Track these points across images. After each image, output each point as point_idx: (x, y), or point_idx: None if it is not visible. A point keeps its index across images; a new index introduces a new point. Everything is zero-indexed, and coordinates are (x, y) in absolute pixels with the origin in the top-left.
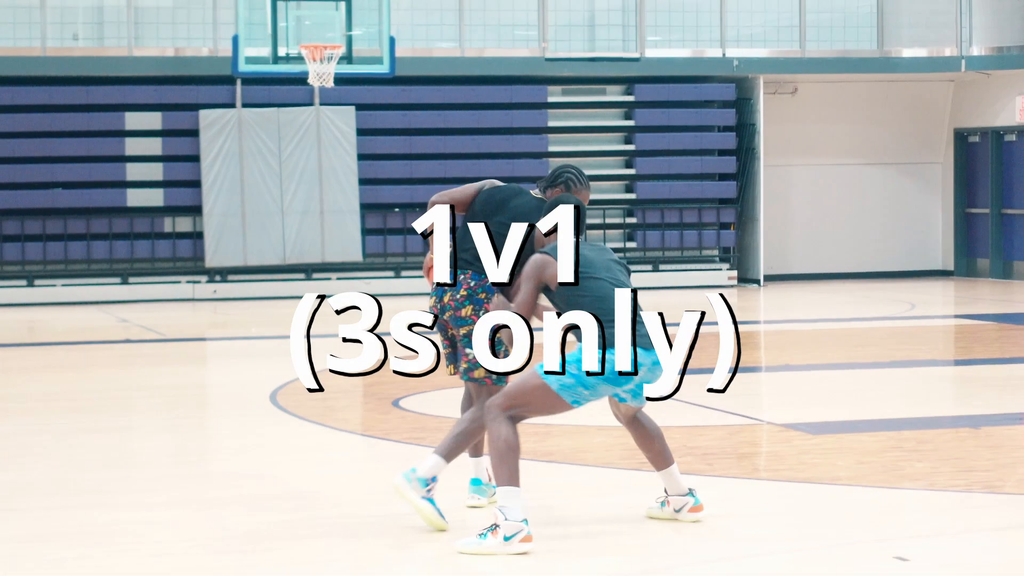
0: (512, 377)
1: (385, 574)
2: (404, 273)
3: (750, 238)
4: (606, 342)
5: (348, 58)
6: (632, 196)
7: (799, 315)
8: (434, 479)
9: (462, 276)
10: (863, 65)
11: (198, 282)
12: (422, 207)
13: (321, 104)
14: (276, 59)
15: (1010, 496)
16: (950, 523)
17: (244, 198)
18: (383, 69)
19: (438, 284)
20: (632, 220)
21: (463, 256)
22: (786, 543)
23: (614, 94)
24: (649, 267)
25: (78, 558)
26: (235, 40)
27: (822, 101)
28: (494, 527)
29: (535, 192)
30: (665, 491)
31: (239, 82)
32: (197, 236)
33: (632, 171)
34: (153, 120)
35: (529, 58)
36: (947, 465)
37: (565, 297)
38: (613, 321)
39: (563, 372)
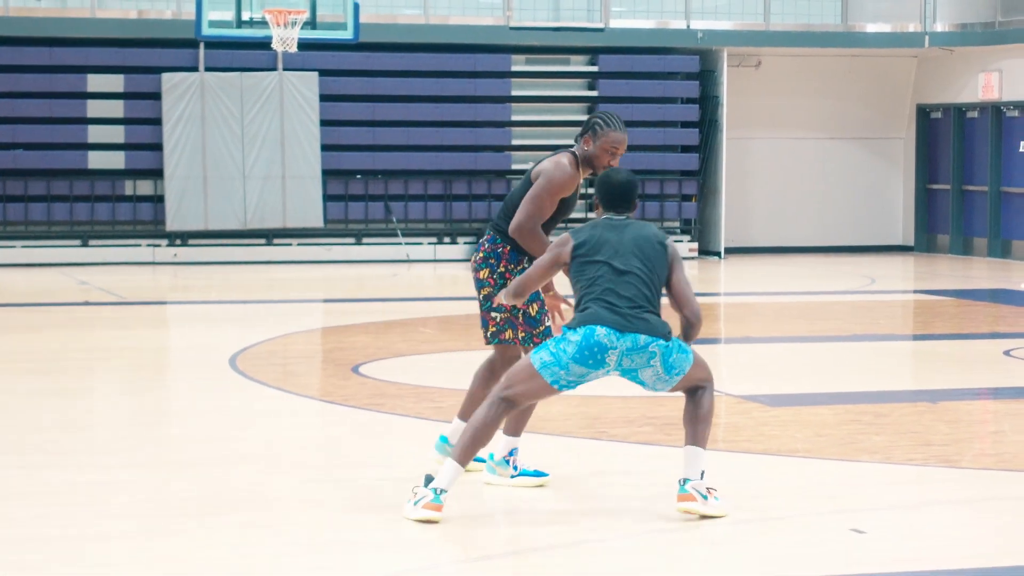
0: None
1: (344, 538)
2: (365, 240)
3: (711, 210)
4: (582, 319)
5: (312, 23)
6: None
7: (759, 288)
8: (512, 452)
9: (485, 237)
10: (827, 39)
11: (158, 245)
12: (384, 174)
13: (284, 69)
14: (240, 23)
15: (966, 471)
16: (906, 496)
17: (206, 162)
18: (347, 35)
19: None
20: (591, 191)
21: (490, 219)
22: (742, 513)
23: (578, 64)
24: None
25: (36, 518)
26: (199, 3)
27: (786, 74)
28: (414, 491)
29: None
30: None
31: (202, 46)
32: (158, 200)
33: None
34: (115, 82)
35: (493, 26)
36: (904, 439)
37: (575, 278)
38: (598, 298)
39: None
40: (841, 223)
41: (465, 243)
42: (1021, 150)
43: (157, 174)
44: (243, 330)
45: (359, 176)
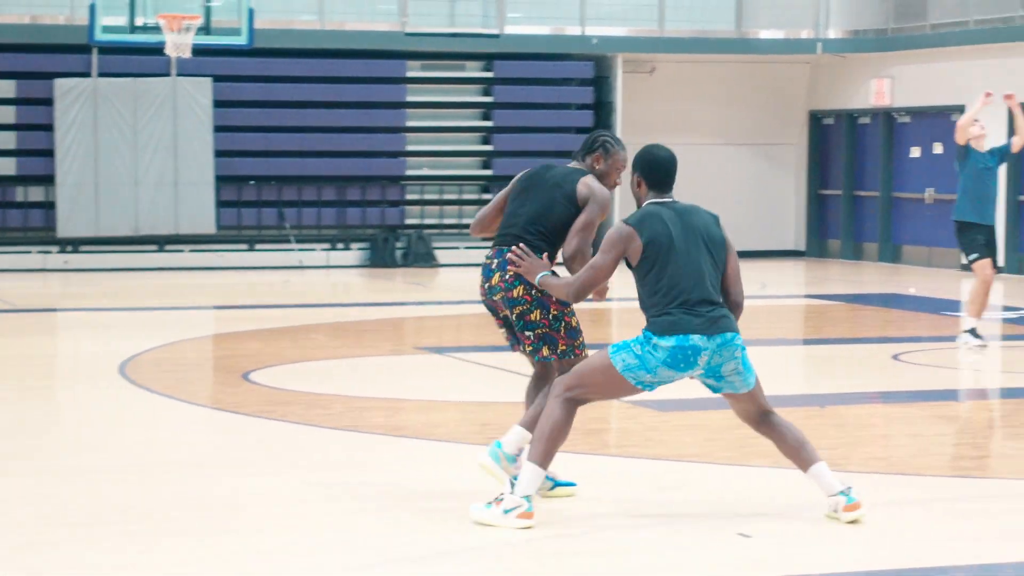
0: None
1: (228, 543)
2: (258, 246)
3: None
4: (666, 327)
5: (206, 29)
6: (489, 172)
7: None
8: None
9: (509, 255)
10: (721, 46)
11: (49, 252)
12: (278, 180)
13: (178, 75)
14: (133, 28)
15: (854, 474)
16: (795, 500)
17: (98, 168)
18: (241, 40)
19: (486, 265)
20: (488, 197)
21: (510, 232)
22: (630, 518)
23: (473, 70)
24: None
25: None
26: (92, 8)
27: (680, 81)
28: (499, 499)
29: (573, 164)
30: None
31: (95, 51)
32: (49, 206)
33: (490, 147)
34: (7, 88)
35: (388, 32)
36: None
37: (643, 275)
38: (679, 305)
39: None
40: (734, 228)
41: (359, 249)
42: (912, 156)
43: (49, 180)
44: (134, 337)
45: (252, 182)
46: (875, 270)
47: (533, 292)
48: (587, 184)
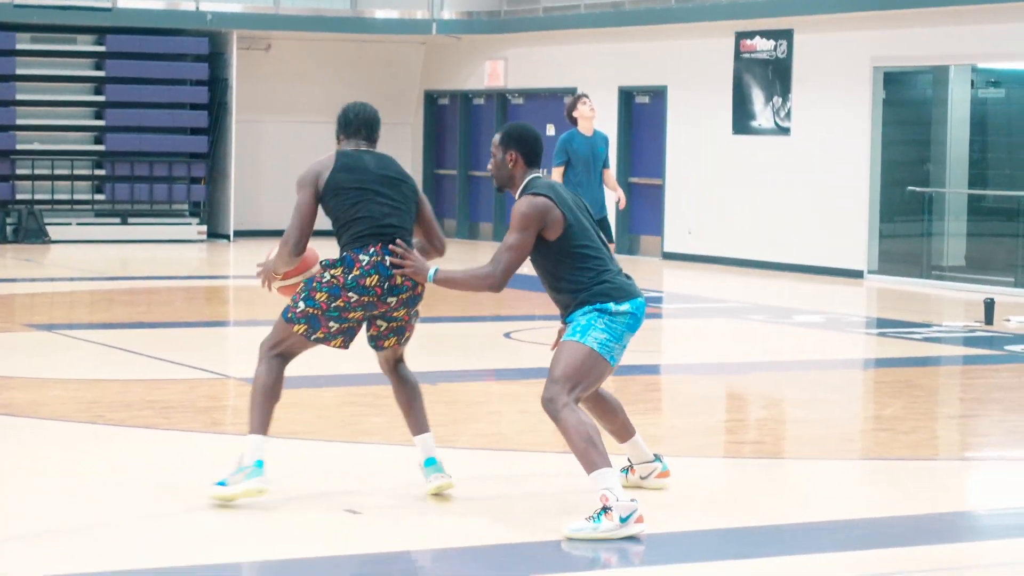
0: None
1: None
2: None
3: (220, 193)
4: (616, 293)
5: None
6: (102, 148)
7: None
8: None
9: (393, 258)
10: (336, 24)
11: None
12: None
13: None
14: None
15: (462, 450)
16: (404, 478)
17: None
18: None
19: (378, 263)
20: (101, 172)
21: (386, 230)
22: (244, 500)
23: (85, 43)
24: (118, 220)
25: None
26: None
27: (296, 59)
28: (606, 509)
29: (342, 145)
30: (628, 460)
31: None
32: None
33: (102, 122)
34: None
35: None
36: (402, 421)
37: (566, 248)
38: (609, 272)
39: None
40: None
41: None
42: None
43: None
44: None
45: None
46: (490, 249)
47: (419, 288)
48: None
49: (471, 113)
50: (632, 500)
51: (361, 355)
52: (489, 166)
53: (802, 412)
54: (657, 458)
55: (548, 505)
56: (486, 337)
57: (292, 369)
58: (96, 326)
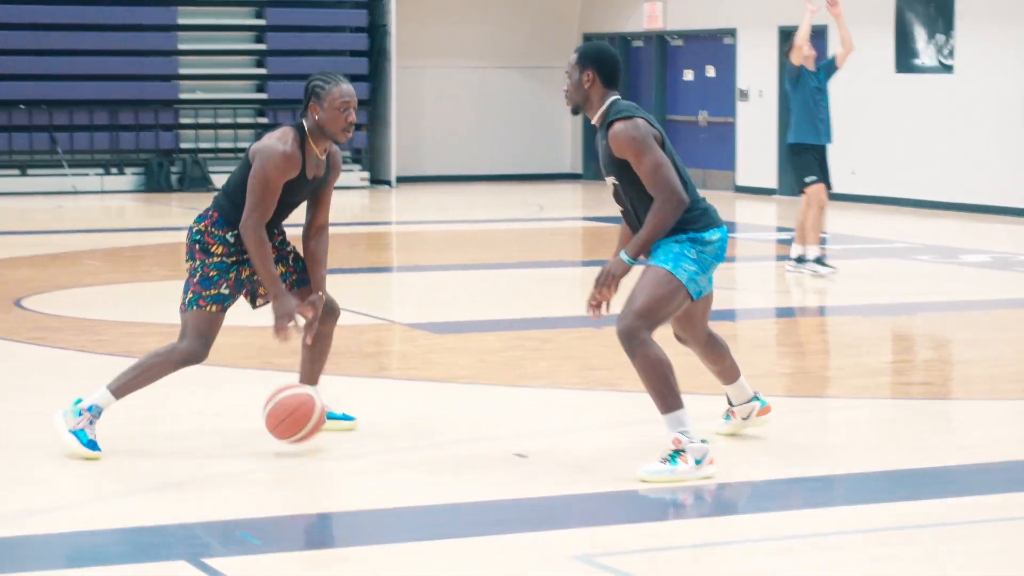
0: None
1: (13, 475)
2: (30, 171)
3: (382, 140)
4: (708, 219)
5: None
6: (264, 96)
7: (430, 216)
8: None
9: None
10: None
11: None
12: (49, 103)
13: None
14: None
15: (627, 393)
16: (569, 420)
17: None
18: None
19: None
20: (264, 120)
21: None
22: (407, 440)
23: None
24: None
25: None
26: None
27: (454, 4)
28: (680, 452)
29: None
30: (729, 403)
31: None
32: None
33: (264, 71)
34: None
35: None
36: (568, 363)
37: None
38: (700, 196)
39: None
40: (510, 152)
41: (133, 174)
42: (685, 79)
43: None
44: None
45: (23, 106)
46: None
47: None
48: (258, 143)
49: (630, 56)
50: (703, 442)
51: (527, 299)
52: (564, 87)
53: (970, 352)
54: (756, 396)
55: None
56: None
57: (455, 313)
58: None
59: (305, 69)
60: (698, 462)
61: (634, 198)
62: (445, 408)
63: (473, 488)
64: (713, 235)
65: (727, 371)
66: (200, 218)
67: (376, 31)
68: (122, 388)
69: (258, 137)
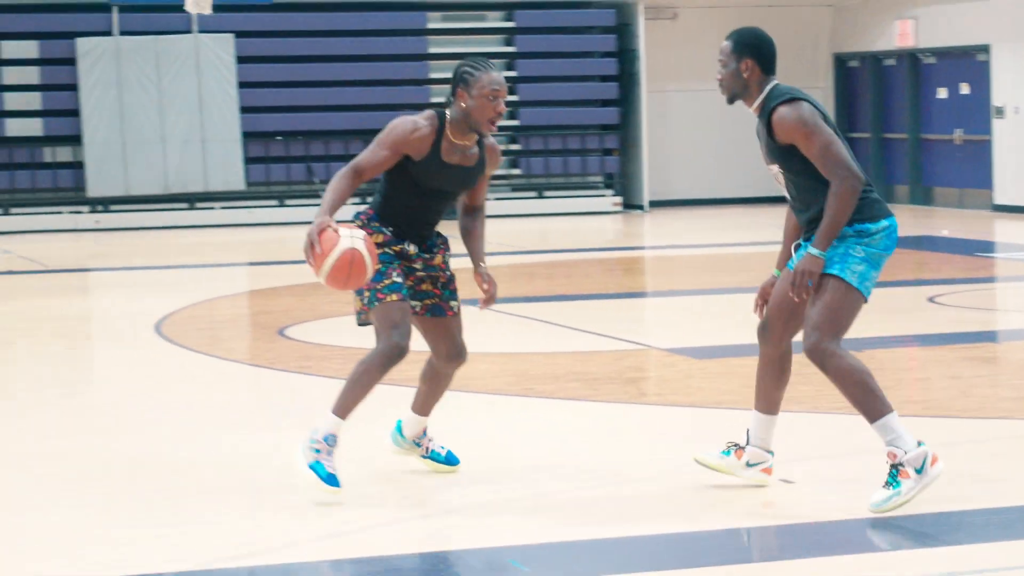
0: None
1: (265, 501)
2: (288, 202)
3: (633, 164)
4: (874, 210)
5: None
6: (515, 123)
7: (684, 240)
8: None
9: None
10: None
11: (80, 212)
12: (305, 135)
13: (199, 31)
14: None
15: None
16: (833, 444)
17: (124, 127)
18: None
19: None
20: (515, 147)
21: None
22: (668, 463)
23: (494, 20)
24: (534, 194)
25: None
26: None
27: (702, 27)
28: (898, 468)
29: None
30: (747, 436)
31: (115, 9)
32: (78, 166)
33: (515, 97)
34: (30, 49)
35: None
36: (831, 388)
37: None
38: (869, 184)
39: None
40: (761, 173)
41: None
42: (939, 96)
43: (75, 140)
44: (167, 295)
45: (280, 138)
46: (906, 212)
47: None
48: None
49: (882, 75)
50: (919, 444)
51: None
52: (718, 75)
53: None
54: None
55: (978, 469)
56: (910, 301)
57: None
58: (518, 299)
59: (555, 95)
60: (919, 471)
61: (801, 185)
62: (708, 433)
63: (722, 515)
64: (881, 224)
65: (773, 403)
66: (356, 215)
67: (625, 56)
68: (343, 407)
69: (513, 164)
